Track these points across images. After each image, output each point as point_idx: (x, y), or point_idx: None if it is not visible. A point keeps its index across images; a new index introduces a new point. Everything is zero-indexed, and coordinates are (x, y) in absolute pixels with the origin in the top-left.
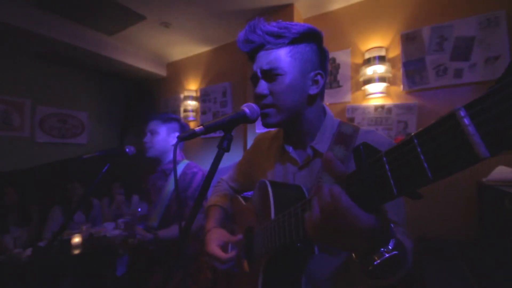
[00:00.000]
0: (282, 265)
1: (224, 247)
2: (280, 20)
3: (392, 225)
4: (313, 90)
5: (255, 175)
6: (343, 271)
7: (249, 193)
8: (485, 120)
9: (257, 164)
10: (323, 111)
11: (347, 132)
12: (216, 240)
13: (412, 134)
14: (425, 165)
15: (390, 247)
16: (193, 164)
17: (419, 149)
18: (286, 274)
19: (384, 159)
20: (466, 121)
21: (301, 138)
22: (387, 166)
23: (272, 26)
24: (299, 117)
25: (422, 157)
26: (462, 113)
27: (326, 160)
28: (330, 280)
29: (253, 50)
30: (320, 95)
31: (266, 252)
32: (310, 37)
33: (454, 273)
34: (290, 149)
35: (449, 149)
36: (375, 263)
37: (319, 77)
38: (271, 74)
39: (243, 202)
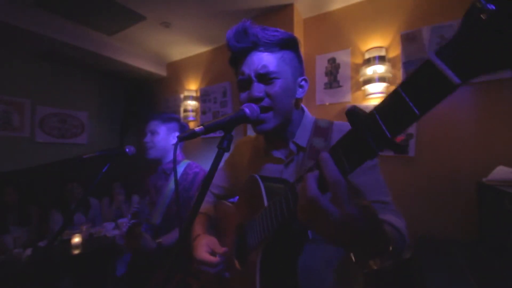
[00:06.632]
0: (279, 252)
1: (212, 254)
2: (262, 25)
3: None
4: (300, 94)
5: (240, 179)
6: (339, 255)
7: (234, 199)
8: (451, 58)
9: (242, 168)
10: (302, 110)
11: (324, 126)
12: (205, 246)
13: (397, 87)
14: (411, 104)
15: (388, 255)
16: (194, 165)
17: (404, 95)
18: (284, 262)
19: (375, 111)
20: (438, 62)
21: (283, 138)
22: (377, 116)
23: (260, 30)
24: (288, 120)
25: (407, 99)
26: (433, 57)
27: (322, 160)
28: (326, 265)
29: (242, 51)
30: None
31: (262, 240)
32: (293, 44)
33: (454, 273)
34: (273, 151)
35: (430, 87)
36: (374, 268)
37: (303, 82)
38: (267, 78)
39: (229, 205)
